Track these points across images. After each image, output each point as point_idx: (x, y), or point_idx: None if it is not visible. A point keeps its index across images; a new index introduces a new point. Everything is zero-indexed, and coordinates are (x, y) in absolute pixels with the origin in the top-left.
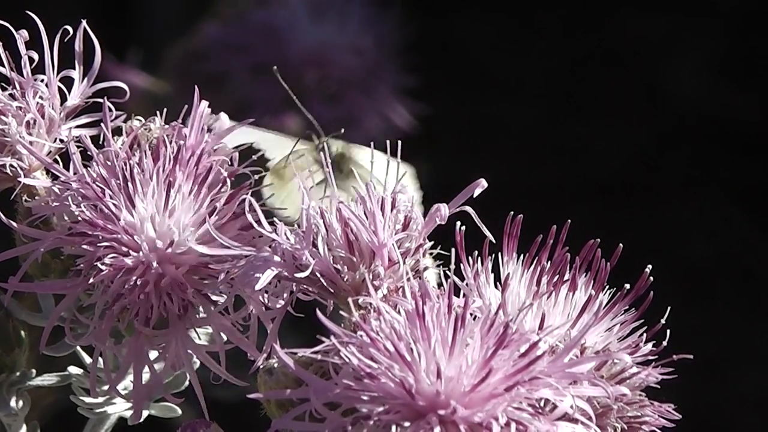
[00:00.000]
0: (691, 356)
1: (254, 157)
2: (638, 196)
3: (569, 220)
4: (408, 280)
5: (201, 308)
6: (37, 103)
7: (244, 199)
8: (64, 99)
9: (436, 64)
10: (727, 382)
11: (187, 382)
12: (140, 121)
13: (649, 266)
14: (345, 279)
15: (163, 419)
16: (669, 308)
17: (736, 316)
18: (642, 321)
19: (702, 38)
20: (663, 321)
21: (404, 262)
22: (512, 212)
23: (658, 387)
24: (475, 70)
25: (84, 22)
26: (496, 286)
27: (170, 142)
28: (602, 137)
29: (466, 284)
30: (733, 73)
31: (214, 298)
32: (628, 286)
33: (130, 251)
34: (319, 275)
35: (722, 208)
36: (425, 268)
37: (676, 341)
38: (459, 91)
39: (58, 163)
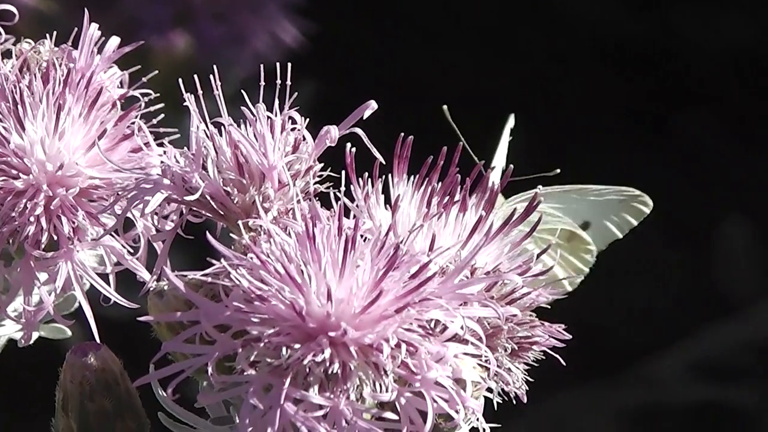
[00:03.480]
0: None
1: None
2: (532, 116)
3: (461, 143)
4: (298, 202)
5: (91, 230)
6: None
7: (134, 122)
8: None
9: None
10: (609, 294)
11: (77, 304)
12: (30, 43)
13: (540, 187)
14: (235, 201)
15: (53, 341)
16: (559, 229)
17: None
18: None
19: None
20: (553, 241)
21: (294, 184)
22: (402, 133)
23: (549, 307)
24: None
25: None
26: (386, 208)
27: (60, 65)
28: (497, 57)
29: (357, 206)
30: None
31: (103, 220)
32: (518, 207)
33: (20, 174)
34: (209, 198)
35: (616, 126)
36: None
37: None
38: (345, 7)
39: None
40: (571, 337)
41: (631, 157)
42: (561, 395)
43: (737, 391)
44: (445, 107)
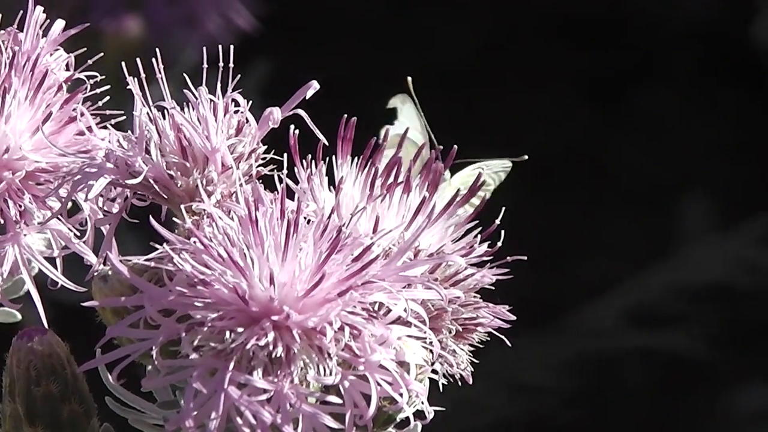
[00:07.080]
0: (525, 257)
1: None
2: (483, 88)
3: (408, 128)
4: (241, 185)
5: (38, 214)
6: None
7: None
8: None
9: None
10: (567, 271)
11: (25, 288)
12: None
13: (485, 165)
14: (178, 185)
15: (3, 325)
16: (503, 208)
17: (578, 206)
18: (477, 222)
19: None
20: (498, 222)
21: (237, 167)
22: (346, 115)
23: (493, 288)
24: None
25: None
26: (331, 190)
27: (5, 48)
28: (448, 28)
29: (300, 188)
30: None
31: (50, 203)
32: (463, 188)
33: None
34: (152, 181)
35: (567, 99)
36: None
37: (517, 233)
38: None
39: None
40: (515, 318)
41: (589, 129)
42: (498, 352)
43: (673, 336)
44: (409, 79)
